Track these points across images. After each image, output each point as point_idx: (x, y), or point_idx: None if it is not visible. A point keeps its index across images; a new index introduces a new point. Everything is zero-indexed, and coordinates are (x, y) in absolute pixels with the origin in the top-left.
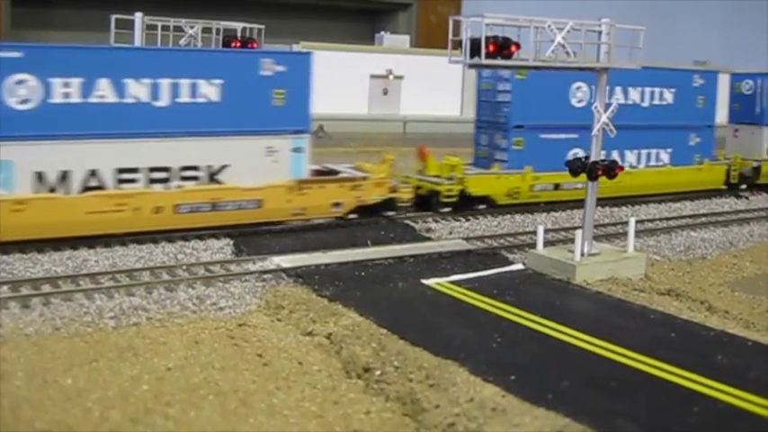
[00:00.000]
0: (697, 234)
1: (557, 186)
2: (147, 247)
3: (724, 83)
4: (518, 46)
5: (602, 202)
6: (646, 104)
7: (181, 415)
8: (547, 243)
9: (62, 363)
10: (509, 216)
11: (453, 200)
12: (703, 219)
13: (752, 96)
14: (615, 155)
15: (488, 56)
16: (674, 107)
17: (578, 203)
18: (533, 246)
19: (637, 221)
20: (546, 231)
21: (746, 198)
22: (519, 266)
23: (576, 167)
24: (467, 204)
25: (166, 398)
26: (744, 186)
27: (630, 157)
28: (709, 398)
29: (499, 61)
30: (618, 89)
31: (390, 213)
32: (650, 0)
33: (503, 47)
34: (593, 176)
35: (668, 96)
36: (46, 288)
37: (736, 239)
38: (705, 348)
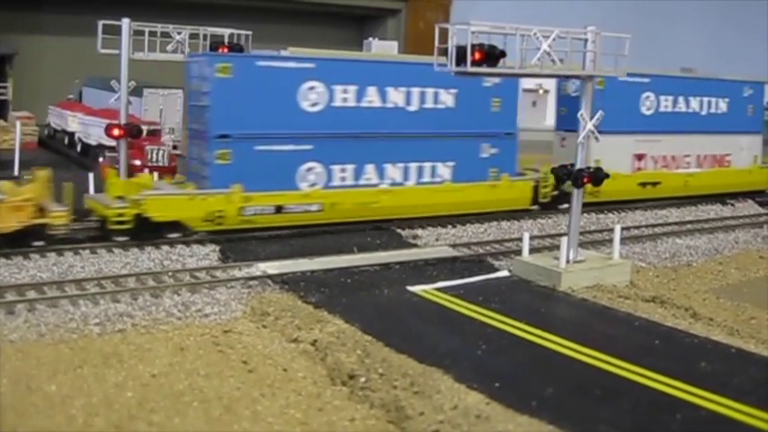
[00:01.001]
0: (682, 241)
1: (279, 209)
2: (133, 254)
3: None
4: (503, 54)
5: (591, 207)
6: (413, 108)
7: (165, 422)
8: (533, 250)
9: (46, 369)
10: (495, 223)
11: (127, 227)
12: (689, 226)
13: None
14: (371, 169)
15: (474, 63)
16: (455, 111)
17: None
18: (519, 253)
19: (622, 228)
20: (532, 238)
21: (732, 205)
22: (505, 273)
23: (561, 175)
24: (152, 232)
25: (151, 405)
26: (566, 205)
27: (393, 172)
28: (692, 405)
29: (485, 69)
30: (372, 89)
31: (39, 244)
32: (638, 5)
33: (489, 54)
34: (578, 184)
35: (447, 99)
36: (31, 294)
37: (721, 246)
38: (689, 355)
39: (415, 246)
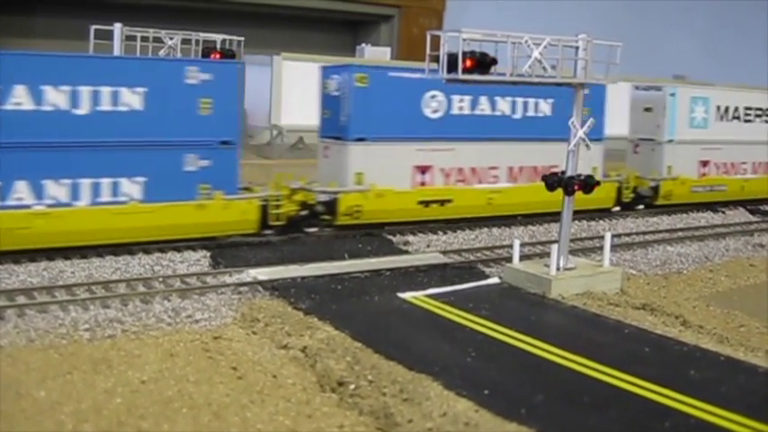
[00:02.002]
0: (673, 248)
1: None
2: (124, 259)
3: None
4: (495, 61)
5: (581, 215)
6: (83, 111)
7: (154, 428)
8: (523, 257)
9: (36, 375)
10: (486, 229)
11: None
12: (680, 233)
13: (338, 99)
14: (23, 188)
15: (465, 71)
16: (144, 115)
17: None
18: (510, 259)
19: (613, 236)
20: (522, 245)
21: (723, 213)
22: (495, 280)
23: (552, 182)
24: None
25: (140, 411)
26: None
27: (55, 190)
28: (681, 413)
29: (476, 76)
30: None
31: None
32: (632, 11)
33: (480, 62)
34: (569, 191)
35: (132, 99)
36: (21, 299)
37: (711, 254)
38: (678, 363)
39: (406, 252)
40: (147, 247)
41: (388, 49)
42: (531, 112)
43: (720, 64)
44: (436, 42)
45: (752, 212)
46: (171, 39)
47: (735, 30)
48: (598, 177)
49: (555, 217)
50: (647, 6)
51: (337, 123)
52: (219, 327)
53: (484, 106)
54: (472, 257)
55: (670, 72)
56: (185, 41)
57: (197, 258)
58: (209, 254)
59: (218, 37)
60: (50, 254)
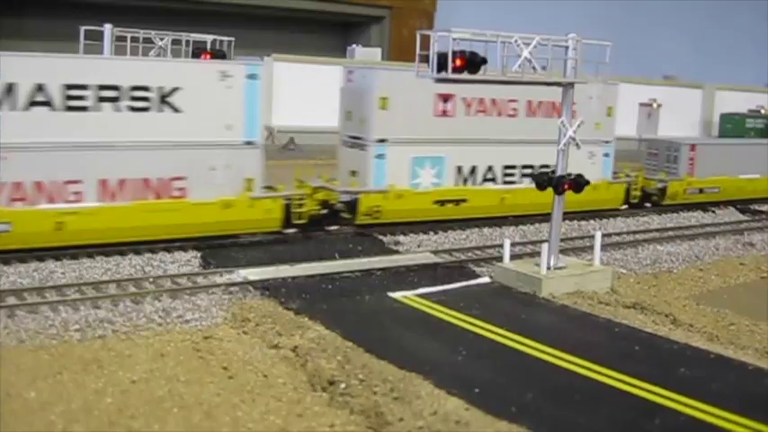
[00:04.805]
0: (663, 248)
1: None
2: (114, 259)
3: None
4: (485, 61)
5: (570, 215)
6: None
7: (145, 428)
8: (514, 256)
9: (26, 375)
10: (477, 229)
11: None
12: (670, 233)
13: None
14: None
15: (455, 70)
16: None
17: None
18: (500, 259)
19: (604, 235)
20: (513, 245)
21: (713, 212)
22: (486, 280)
23: (542, 182)
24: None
25: (130, 411)
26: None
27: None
28: (670, 410)
29: (466, 76)
30: None
31: None
32: (624, 9)
33: (470, 61)
34: (559, 191)
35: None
36: (11, 300)
37: (702, 253)
38: (668, 361)
39: (397, 252)
40: (137, 247)
41: (378, 50)
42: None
43: (710, 63)
44: (427, 43)
45: (742, 211)
46: (161, 39)
47: (725, 29)
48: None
49: (546, 217)
50: (638, 6)
51: None
52: (210, 327)
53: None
54: (463, 257)
55: (660, 72)
56: (175, 42)
57: (188, 259)
58: (199, 254)
59: (208, 38)
60: (40, 255)
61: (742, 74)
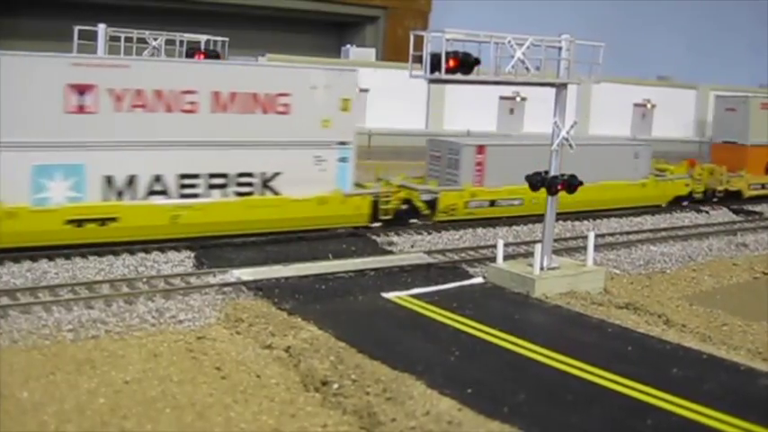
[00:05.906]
0: (657, 248)
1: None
2: (108, 260)
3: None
4: (478, 61)
5: (562, 216)
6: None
7: (137, 428)
8: (507, 257)
9: (19, 376)
10: (470, 230)
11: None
12: (663, 233)
13: None
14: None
15: (448, 71)
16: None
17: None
18: (494, 259)
19: (597, 235)
20: (506, 245)
21: (707, 213)
22: (479, 280)
23: (535, 182)
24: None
25: (123, 411)
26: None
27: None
28: (663, 411)
29: (459, 76)
30: None
31: None
32: (615, 12)
33: (463, 62)
34: (552, 191)
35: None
36: (4, 300)
37: (695, 253)
38: (661, 362)
39: (390, 252)
40: (130, 247)
41: (372, 51)
42: None
43: (705, 63)
44: (421, 43)
45: (735, 212)
46: (155, 39)
47: (719, 29)
48: None
49: (539, 217)
50: (632, 6)
51: None
52: (203, 327)
53: None
54: (456, 257)
55: (654, 72)
56: (169, 42)
57: (181, 259)
58: (192, 254)
59: (202, 38)
60: (34, 255)
61: (737, 74)
